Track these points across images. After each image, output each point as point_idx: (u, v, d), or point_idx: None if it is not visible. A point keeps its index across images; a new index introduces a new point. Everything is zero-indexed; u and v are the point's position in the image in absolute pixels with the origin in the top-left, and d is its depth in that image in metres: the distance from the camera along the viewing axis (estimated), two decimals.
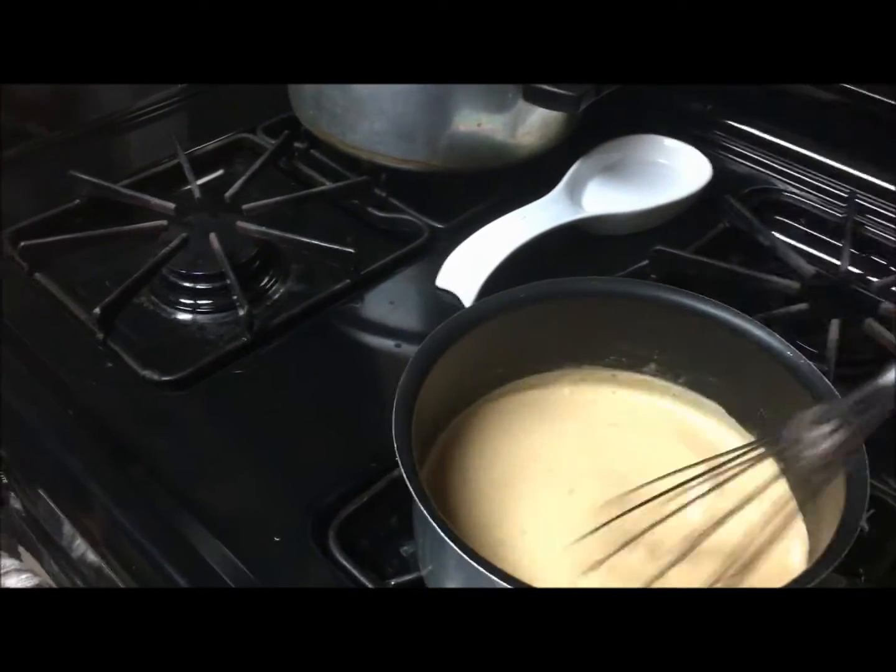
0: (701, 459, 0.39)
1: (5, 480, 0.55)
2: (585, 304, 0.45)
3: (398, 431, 0.36)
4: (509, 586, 0.32)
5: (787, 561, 0.39)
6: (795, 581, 0.33)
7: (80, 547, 0.53)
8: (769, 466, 0.39)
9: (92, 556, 0.52)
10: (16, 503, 0.56)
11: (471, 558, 0.33)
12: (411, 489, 0.34)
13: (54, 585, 0.58)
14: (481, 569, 0.32)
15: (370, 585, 0.42)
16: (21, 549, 0.62)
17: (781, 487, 0.41)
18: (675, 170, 0.68)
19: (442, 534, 0.33)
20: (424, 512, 0.33)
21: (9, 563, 0.56)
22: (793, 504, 0.41)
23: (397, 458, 0.36)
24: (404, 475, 0.35)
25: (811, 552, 0.39)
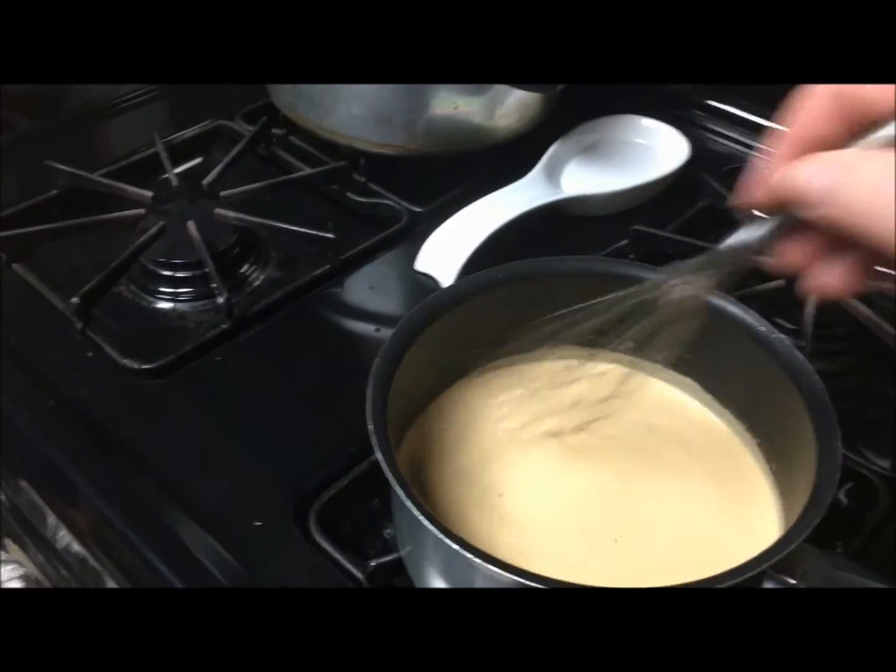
0: (672, 433, 0.40)
1: None
2: (563, 284, 0.45)
3: (373, 413, 0.36)
4: (486, 564, 0.33)
5: (760, 535, 0.39)
6: (767, 551, 0.33)
7: (65, 538, 0.53)
8: None
9: (76, 547, 0.52)
10: (0, 495, 0.56)
11: (446, 537, 0.33)
12: (385, 469, 0.34)
13: (40, 576, 0.58)
14: (457, 547, 0.32)
15: (352, 568, 0.42)
16: (7, 541, 0.62)
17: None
18: (654, 149, 0.68)
19: (416, 512, 0.33)
20: (399, 492, 0.34)
21: None
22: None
23: (371, 439, 0.36)
24: (378, 455, 0.35)
25: (785, 526, 0.39)
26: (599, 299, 0.40)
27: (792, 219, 0.32)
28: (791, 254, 0.33)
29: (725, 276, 0.36)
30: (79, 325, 0.54)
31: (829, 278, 0.33)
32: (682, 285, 0.36)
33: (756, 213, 0.34)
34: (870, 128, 0.30)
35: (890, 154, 0.28)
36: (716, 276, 0.36)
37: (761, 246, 0.33)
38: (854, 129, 0.31)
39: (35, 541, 0.57)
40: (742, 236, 0.34)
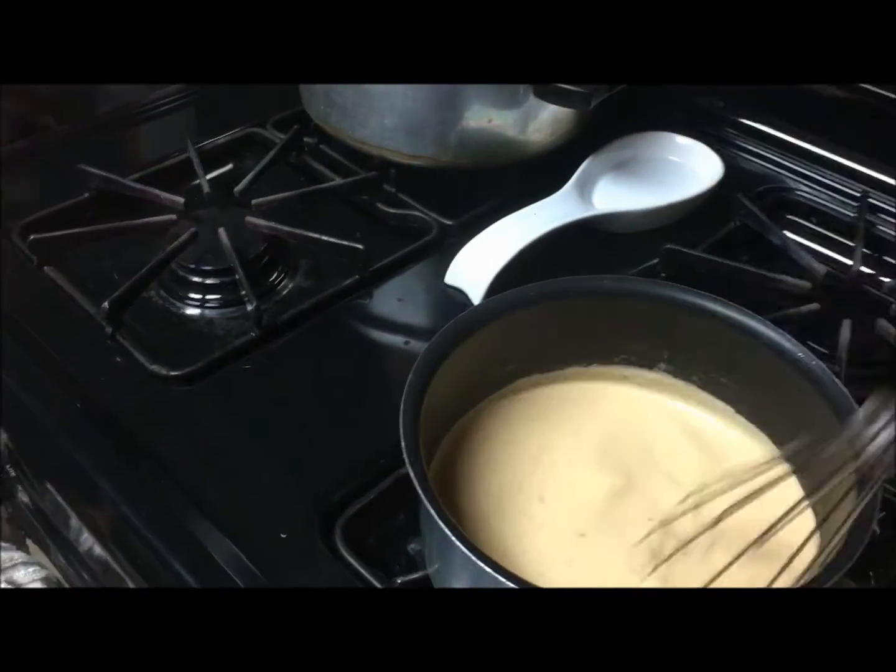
0: (709, 459, 0.39)
1: (13, 474, 0.55)
2: (595, 303, 0.45)
3: (406, 429, 0.36)
4: (515, 586, 0.32)
5: (797, 563, 0.39)
6: (808, 585, 0.32)
7: (87, 541, 0.53)
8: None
9: (99, 550, 0.52)
10: (23, 496, 0.56)
11: (477, 557, 0.32)
12: (418, 487, 0.34)
13: (61, 578, 0.58)
14: (487, 568, 0.32)
15: (377, 583, 0.42)
16: (29, 542, 0.62)
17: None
18: (687, 167, 0.68)
19: (448, 532, 0.33)
20: (431, 510, 0.33)
21: (17, 555, 0.56)
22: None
23: (404, 456, 0.35)
24: (411, 473, 0.34)
25: (821, 554, 0.39)
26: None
27: None
28: None
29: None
30: (108, 331, 0.54)
31: None
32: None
33: None
34: None
35: None
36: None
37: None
38: None
39: (57, 543, 0.57)
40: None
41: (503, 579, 0.32)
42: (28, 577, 0.55)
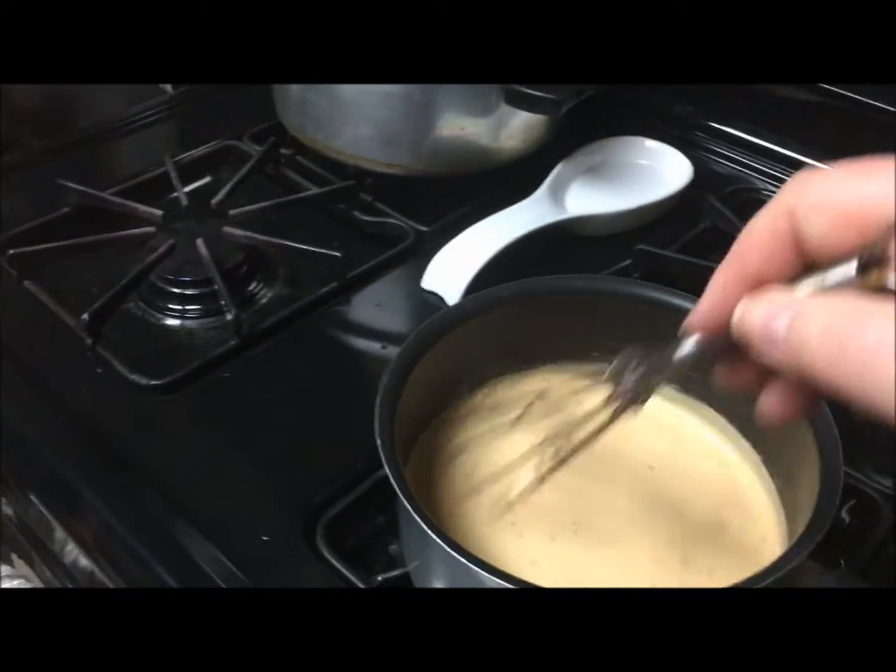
0: (679, 449, 0.40)
1: None
2: (568, 302, 0.46)
3: (381, 428, 0.37)
4: (494, 579, 0.33)
5: (763, 549, 0.40)
6: (771, 567, 0.33)
7: (72, 552, 0.54)
8: None
9: (84, 562, 0.53)
10: (7, 509, 0.56)
11: (453, 550, 0.33)
12: (394, 483, 0.35)
13: None
14: (464, 560, 0.33)
15: (358, 582, 0.43)
16: (13, 557, 0.62)
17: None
18: (657, 170, 0.69)
19: (424, 526, 0.33)
20: (407, 506, 0.34)
21: (3, 569, 0.57)
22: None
23: (380, 454, 0.36)
24: (386, 469, 0.35)
25: (789, 544, 0.40)
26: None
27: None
28: (735, 374, 0.32)
29: (664, 381, 0.35)
30: (89, 342, 0.55)
31: (779, 401, 0.31)
32: (632, 382, 0.35)
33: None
34: (817, 266, 0.28)
35: (842, 297, 0.26)
36: (657, 378, 0.35)
37: (702, 363, 0.32)
38: (798, 267, 0.29)
39: (42, 556, 0.57)
40: (686, 352, 0.32)
41: (482, 571, 0.33)
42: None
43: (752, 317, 0.28)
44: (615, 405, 0.35)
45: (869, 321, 0.25)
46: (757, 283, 0.29)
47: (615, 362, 0.36)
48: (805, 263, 0.29)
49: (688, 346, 0.33)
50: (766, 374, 0.31)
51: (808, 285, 0.28)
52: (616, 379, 0.35)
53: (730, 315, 0.30)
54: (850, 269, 0.26)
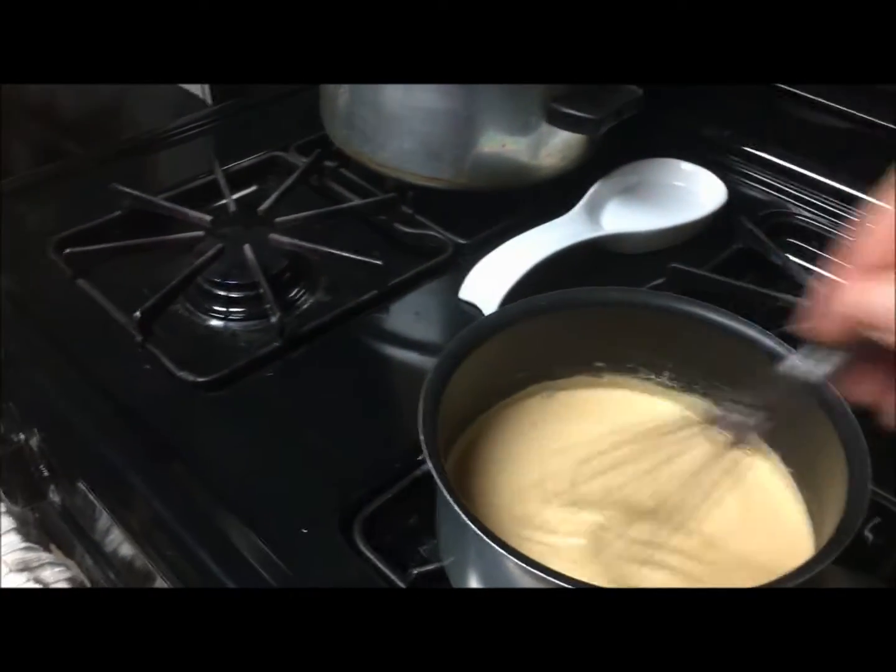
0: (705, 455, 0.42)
1: (46, 473, 0.57)
2: (603, 313, 0.47)
3: (425, 422, 0.38)
4: (532, 569, 0.34)
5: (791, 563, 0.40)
6: (796, 571, 0.34)
7: (113, 541, 0.56)
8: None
9: (124, 551, 0.54)
10: (55, 496, 0.58)
11: (492, 541, 0.34)
12: (434, 472, 0.36)
13: (86, 579, 0.60)
14: (501, 550, 0.34)
15: (393, 576, 0.44)
16: (53, 548, 0.64)
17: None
18: (692, 192, 0.70)
19: (464, 516, 0.35)
20: (447, 495, 0.35)
21: (44, 555, 0.58)
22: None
23: (423, 447, 0.38)
24: (428, 460, 0.37)
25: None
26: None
27: (864, 348, 0.29)
28: (862, 387, 0.31)
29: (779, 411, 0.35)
30: (139, 339, 0.57)
31: None
32: (734, 420, 0.36)
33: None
34: None
35: None
36: (771, 414, 0.34)
37: (826, 380, 0.32)
38: None
39: (84, 544, 0.59)
40: (805, 367, 0.31)
41: (521, 563, 0.34)
42: (54, 576, 0.58)
43: (880, 301, 0.27)
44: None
45: None
46: (882, 276, 0.28)
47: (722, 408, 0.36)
48: None
49: (805, 359, 0.31)
50: (889, 382, 0.30)
51: None
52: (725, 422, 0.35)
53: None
54: None
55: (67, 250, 0.62)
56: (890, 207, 0.29)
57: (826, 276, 0.30)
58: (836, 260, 0.30)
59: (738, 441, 0.36)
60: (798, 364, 0.32)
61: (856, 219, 0.30)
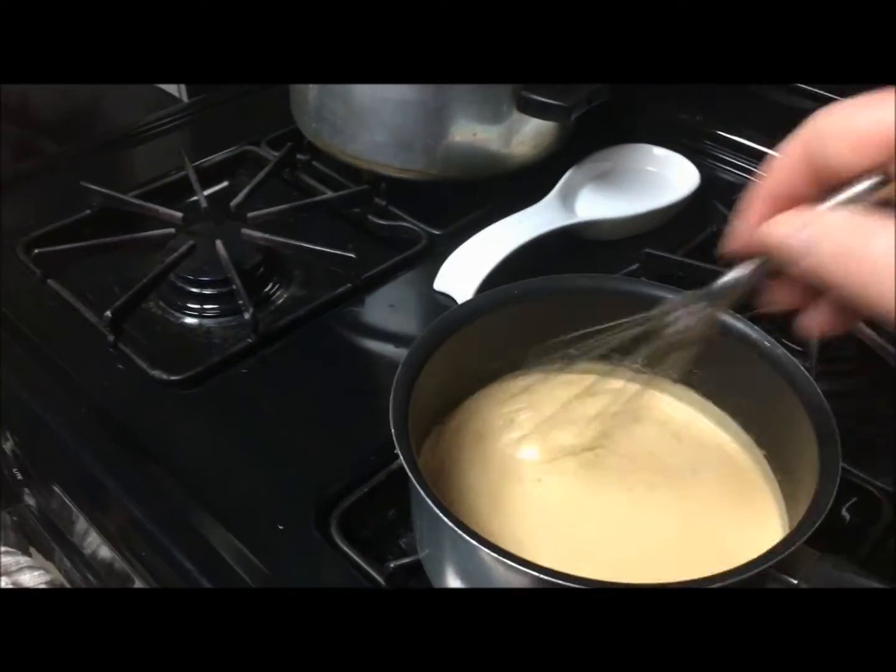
0: (684, 444, 0.42)
1: (20, 477, 0.57)
2: (576, 300, 0.47)
3: (395, 416, 0.38)
4: (505, 560, 0.34)
5: (765, 544, 0.41)
6: (770, 551, 0.35)
7: (92, 544, 0.55)
8: None
9: (103, 553, 0.54)
10: (30, 500, 0.58)
11: (465, 533, 0.34)
12: (406, 468, 0.36)
13: (65, 582, 0.60)
14: (475, 542, 0.34)
15: (371, 570, 0.44)
16: (32, 550, 0.64)
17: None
18: (665, 177, 0.70)
19: (437, 510, 0.35)
20: (420, 491, 0.35)
21: (22, 559, 0.58)
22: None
23: (395, 441, 0.37)
24: (400, 454, 0.36)
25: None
26: (611, 323, 0.42)
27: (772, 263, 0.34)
28: (779, 293, 0.35)
29: (721, 308, 0.39)
30: (111, 339, 0.56)
31: (819, 316, 0.35)
32: (686, 316, 0.39)
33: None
34: (837, 187, 0.31)
35: (856, 211, 0.30)
36: (713, 308, 0.38)
37: (747, 286, 0.36)
38: (823, 187, 0.32)
39: (62, 547, 0.59)
40: (730, 277, 0.36)
41: (494, 553, 0.34)
42: (33, 580, 0.57)
43: (777, 231, 0.32)
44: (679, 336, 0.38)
45: (875, 233, 0.29)
46: (785, 206, 0.33)
47: (657, 310, 0.40)
48: (828, 186, 0.32)
49: (732, 273, 0.36)
50: (803, 292, 0.34)
51: (826, 205, 0.31)
52: (664, 320, 0.39)
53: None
54: (862, 187, 0.30)
55: (36, 251, 0.61)
56: (791, 147, 0.33)
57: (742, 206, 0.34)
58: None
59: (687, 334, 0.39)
60: (727, 276, 0.37)
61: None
